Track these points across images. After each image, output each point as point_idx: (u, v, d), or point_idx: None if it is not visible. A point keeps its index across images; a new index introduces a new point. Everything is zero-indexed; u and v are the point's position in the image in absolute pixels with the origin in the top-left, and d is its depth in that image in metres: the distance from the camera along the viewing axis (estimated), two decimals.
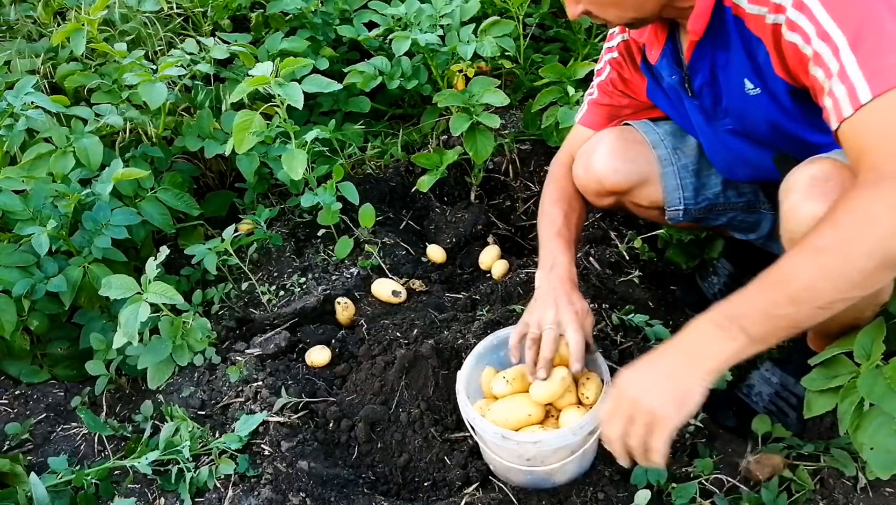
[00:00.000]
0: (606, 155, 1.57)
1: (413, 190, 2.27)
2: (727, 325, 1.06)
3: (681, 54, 1.36)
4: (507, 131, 2.37)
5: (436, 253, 2.06)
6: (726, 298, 1.08)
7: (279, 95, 1.79)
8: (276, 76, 1.79)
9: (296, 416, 1.62)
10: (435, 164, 2.14)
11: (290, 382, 1.68)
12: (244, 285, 2.01)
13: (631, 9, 1.22)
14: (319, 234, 2.12)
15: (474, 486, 1.50)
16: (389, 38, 2.19)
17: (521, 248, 2.21)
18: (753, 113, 1.32)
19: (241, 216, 2.14)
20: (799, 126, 1.30)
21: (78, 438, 1.64)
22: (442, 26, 2.23)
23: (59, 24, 2.44)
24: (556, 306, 1.43)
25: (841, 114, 1.02)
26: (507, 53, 2.27)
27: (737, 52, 1.25)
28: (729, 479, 1.45)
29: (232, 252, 1.94)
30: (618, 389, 1.16)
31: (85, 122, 1.94)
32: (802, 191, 1.14)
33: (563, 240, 1.54)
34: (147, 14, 2.36)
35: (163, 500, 1.48)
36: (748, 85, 1.27)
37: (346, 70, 2.24)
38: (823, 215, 1.02)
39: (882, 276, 0.97)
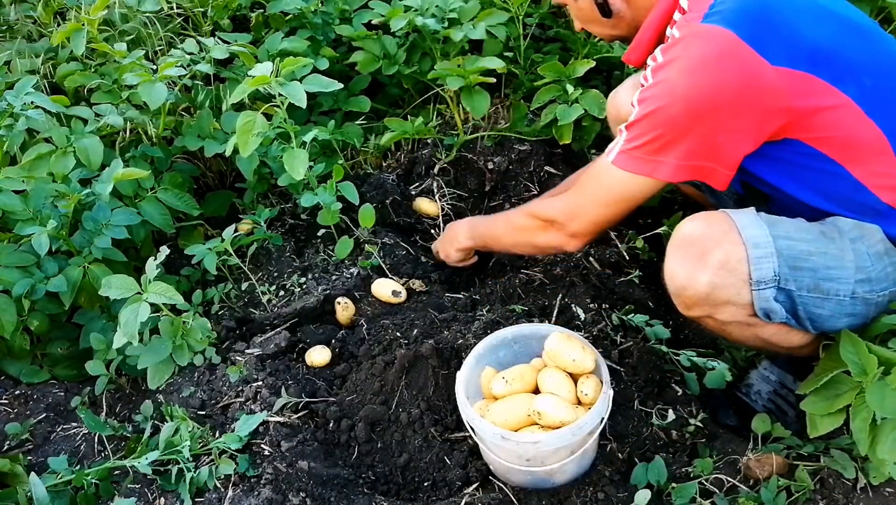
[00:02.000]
0: (629, 86, 1.79)
1: None
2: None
3: None
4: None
5: None
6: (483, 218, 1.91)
7: (280, 95, 1.79)
8: (276, 76, 1.79)
9: (296, 416, 1.62)
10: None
11: (290, 382, 1.68)
12: (244, 285, 2.01)
13: (608, 28, 1.49)
14: (319, 234, 2.12)
15: (474, 486, 1.50)
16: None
17: None
18: None
19: (241, 216, 2.14)
20: None
21: (78, 438, 1.64)
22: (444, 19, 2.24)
23: (59, 24, 2.44)
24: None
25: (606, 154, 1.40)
26: (505, 54, 2.27)
27: None
28: (729, 479, 1.45)
29: (232, 252, 1.94)
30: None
31: (85, 122, 1.94)
32: (673, 245, 1.35)
33: None
34: (147, 14, 2.35)
35: (163, 500, 1.48)
36: None
37: (346, 62, 2.26)
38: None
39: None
